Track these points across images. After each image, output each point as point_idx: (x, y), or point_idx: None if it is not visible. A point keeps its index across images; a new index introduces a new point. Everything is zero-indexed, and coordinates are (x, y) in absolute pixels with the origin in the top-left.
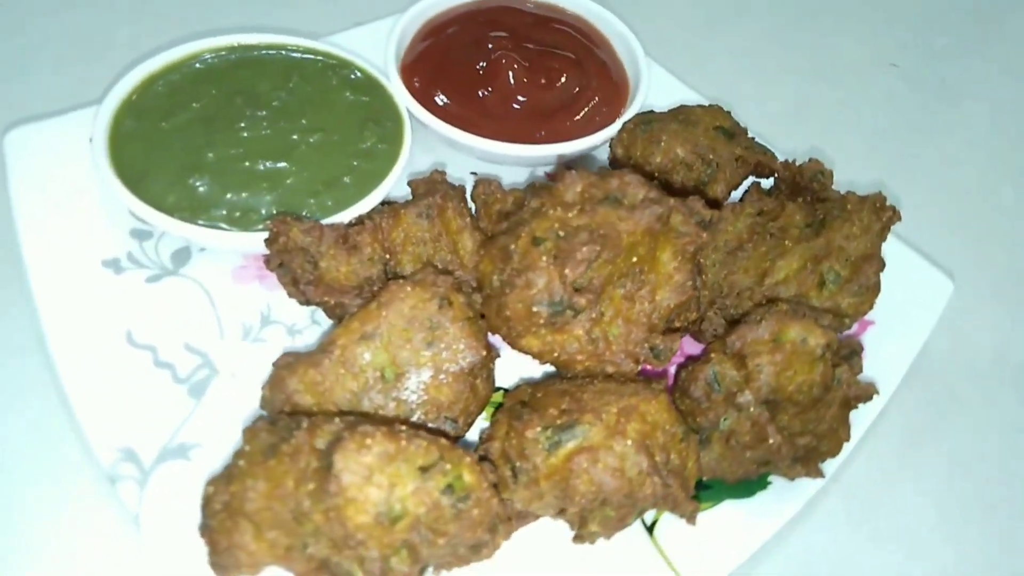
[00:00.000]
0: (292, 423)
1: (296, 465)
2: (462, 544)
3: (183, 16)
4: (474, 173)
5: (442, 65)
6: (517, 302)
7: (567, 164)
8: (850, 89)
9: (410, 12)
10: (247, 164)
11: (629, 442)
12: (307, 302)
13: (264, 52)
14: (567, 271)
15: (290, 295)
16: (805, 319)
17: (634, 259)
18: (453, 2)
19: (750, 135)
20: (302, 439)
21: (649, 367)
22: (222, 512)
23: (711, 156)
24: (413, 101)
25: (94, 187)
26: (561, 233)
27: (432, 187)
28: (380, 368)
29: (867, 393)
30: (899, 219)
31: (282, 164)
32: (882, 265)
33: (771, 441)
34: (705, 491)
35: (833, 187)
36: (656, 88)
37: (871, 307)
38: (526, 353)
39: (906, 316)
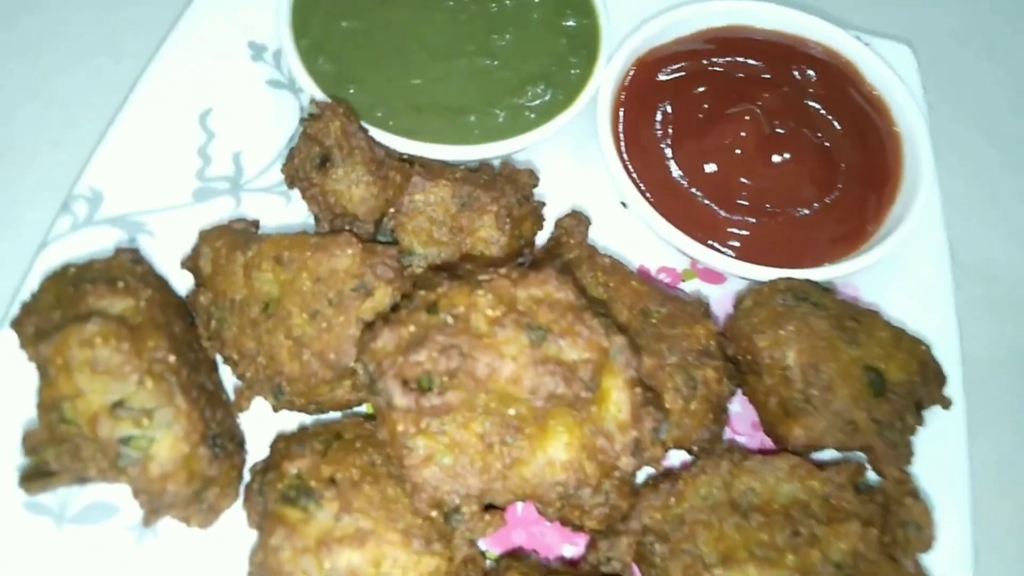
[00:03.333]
0: (130, 275)
1: (76, 302)
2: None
3: None
4: (624, 204)
5: (681, 83)
6: (367, 340)
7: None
8: None
9: (694, 7)
10: (408, 44)
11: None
12: (291, 187)
13: None
14: (403, 358)
15: (282, 170)
16: None
17: (511, 411)
18: (755, 19)
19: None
20: (101, 290)
21: None
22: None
23: (817, 395)
24: (608, 100)
25: None
26: (450, 320)
27: (506, 181)
28: (266, 298)
29: None
30: None
31: (439, 65)
32: None
33: None
34: None
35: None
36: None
37: None
38: None
39: None
